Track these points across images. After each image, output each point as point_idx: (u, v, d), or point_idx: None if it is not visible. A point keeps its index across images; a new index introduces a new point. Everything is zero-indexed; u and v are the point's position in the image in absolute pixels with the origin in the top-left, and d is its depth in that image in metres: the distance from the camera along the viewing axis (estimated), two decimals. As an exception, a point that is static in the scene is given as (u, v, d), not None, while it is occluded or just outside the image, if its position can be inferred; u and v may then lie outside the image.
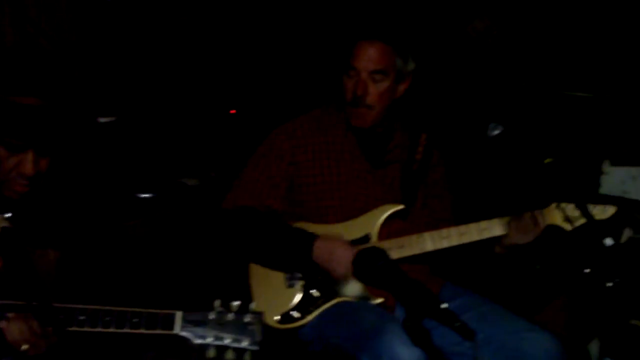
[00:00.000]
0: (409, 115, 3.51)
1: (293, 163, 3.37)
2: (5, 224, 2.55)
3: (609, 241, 2.71)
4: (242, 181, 3.39)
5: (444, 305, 2.17)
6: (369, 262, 2.39)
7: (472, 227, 3.23)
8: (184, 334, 2.47)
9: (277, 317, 3.23)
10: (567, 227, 3.19)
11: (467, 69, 4.84)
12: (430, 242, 3.25)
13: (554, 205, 3.21)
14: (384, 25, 3.40)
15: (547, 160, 2.92)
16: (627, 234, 4.26)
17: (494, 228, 3.22)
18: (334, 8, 5.13)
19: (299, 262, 3.24)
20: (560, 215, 3.19)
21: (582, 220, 3.11)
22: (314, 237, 3.21)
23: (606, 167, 4.16)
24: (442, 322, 2.16)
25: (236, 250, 3.39)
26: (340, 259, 3.11)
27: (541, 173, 2.92)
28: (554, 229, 3.23)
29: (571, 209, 3.16)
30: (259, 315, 2.47)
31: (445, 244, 3.24)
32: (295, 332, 3.26)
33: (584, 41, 4.86)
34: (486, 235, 3.22)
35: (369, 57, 3.30)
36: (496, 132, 3.08)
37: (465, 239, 3.23)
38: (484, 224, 3.23)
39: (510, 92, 4.76)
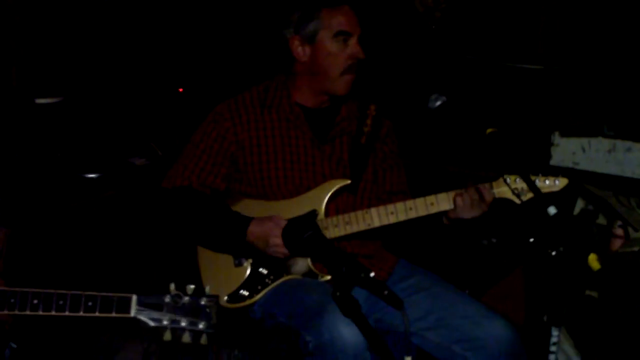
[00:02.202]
0: (358, 86, 3.46)
1: (235, 142, 3.31)
2: None
3: (552, 210, 2.70)
4: (182, 159, 3.34)
5: (372, 274, 2.15)
6: (296, 233, 2.37)
7: (419, 202, 3.20)
8: (140, 317, 2.45)
9: (226, 297, 3.19)
10: (516, 200, 3.16)
11: (413, 40, 4.83)
12: (377, 217, 3.21)
13: (501, 178, 3.17)
14: None
15: (489, 130, 2.90)
16: (579, 205, 4.29)
17: (442, 203, 3.19)
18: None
19: (235, 245, 3.20)
20: (509, 189, 3.16)
21: (531, 194, 3.07)
22: (247, 221, 3.15)
23: (556, 138, 4.16)
24: (371, 291, 2.14)
25: (175, 231, 3.34)
26: (276, 240, 3.06)
27: (484, 144, 2.89)
28: (503, 202, 3.21)
29: (519, 182, 3.13)
30: (214, 298, 2.46)
31: (392, 219, 3.20)
32: (246, 311, 3.23)
33: (532, 12, 4.87)
34: (434, 210, 3.19)
35: (356, 20, 3.29)
36: (438, 103, 3.06)
37: (413, 214, 3.19)
38: (430, 198, 3.19)
39: (455, 64, 4.75)
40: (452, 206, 3.17)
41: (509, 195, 3.18)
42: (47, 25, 5.05)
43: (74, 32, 5.13)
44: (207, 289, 2.47)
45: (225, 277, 3.23)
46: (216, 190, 3.30)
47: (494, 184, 3.19)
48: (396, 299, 2.11)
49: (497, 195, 3.18)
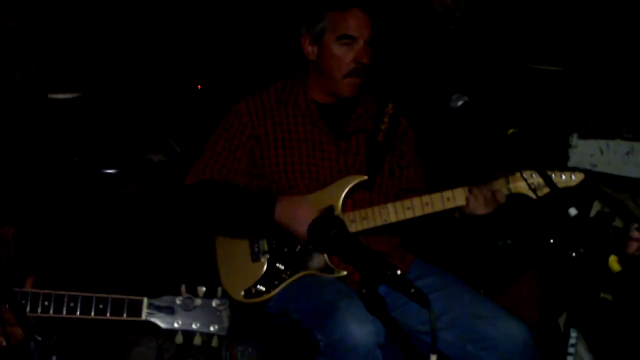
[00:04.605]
0: (376, 85, 3.47)
1: (253, 137, 3.33)
2: None
3: (573, 211, 2.69)
4: (203, 157, 3.36)
5: (398, 272, 2.15)
6: (322, 230, 2.36)
7: (436, 197, 3.20)
8: (151, 319, 2.46)
9: (243, 292, 3.20)
10: (532, 195, 3.15)
11: (434, 40, 4.83)
12: (394, 213, 3.21)
13: (518, 173, 3.16)
14: None
15: (511, 131, 2.90)
16: (595, 207, 4.27)
17: (458, 197, 3.19)
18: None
19: (262, 225, 3.20)
20: (525, 184, 3.15)
21: (547, 189, 3.06)
22: (275, 198, 3.18)
23: (574, 140, 4.16)
24: (397, 289, 2.14)
25: (201, 224, 3.36)
26: (302, 217, 3.08)
27: (505, 144, 2.89)
28: (519, 197, 3.20)
29: (536, 177, 3.12)
30: (226, 300, 2.47)
31: (409, 214, 3.20)
32: (262, 307, 3.24)
33: (552, 14, 4.85)
34: (450, 205, 3.19)
35: (366, 24, 3.28)
36: (460, 103, 3.05)
37: (429, 210, 3.20)
38: (447, 193, 3.19)
39: (476, 64, 4.74)
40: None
41: (525, 190, 3.17)
42: (66, 21, 5.06)
43: (93, 28, 5.14)
44: (219, 291, 2.48)
45: (242, 272, 3.25)
46: (237, 185, 3.32)
47: (510, 178, 3.19)
48: (422, 296, 2.11)
49: (513, 191, 3.19)
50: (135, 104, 5.02)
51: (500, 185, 3.18)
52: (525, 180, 3.14)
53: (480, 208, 3.16)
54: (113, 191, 4.39)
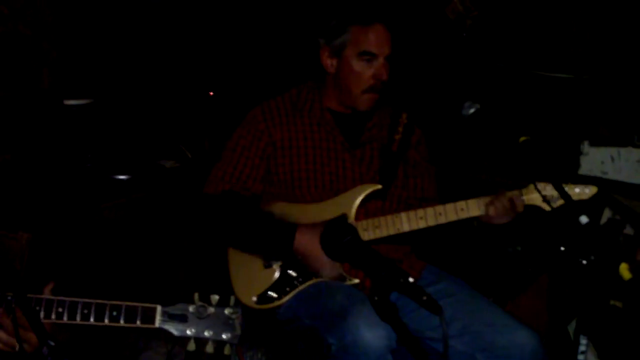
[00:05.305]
0: (390, 94, 3.46)
1: (270, 143, 3.34)
2: None
3: (584, 219, 2.69)
4: (222, 164, 3.37)
5: (411, 279, 2.15)
6: (335, 237, 2.37)
7: (449, 207, 3.20)
8: (164, 327, 2.47)
9: (255, 298, 3.20)
10: (546, 207, 3.15)
11: (445, 49, 4.83)
12: (407, 222, 3.22)
13: (532, 185, 3.16)
14: (386, 9, 3.34)
15: (523, 139, 2.90)
16: (606, 214, 4.27)
17: (472, 209, 3.20)
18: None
19: (279, 252, 3.22)
20: (539, 196, 3.15)
21: (561, 201, 3.06)
22: (295, 228, 3.17)
23: (585, 147, 4.16)
24: (410, 296, 2.14)
25: (218, 237, 3.37)
26: (319, 253, 3.07)
27: (517, 151, 2.89)
28: (533, 209, 3.20)
29: (550, 190, 3.12)
30: (238, 308, 2.48)
31: (421, 224, 3.21)
32: (272, 313, 3.24)
33: (564, 22, 4.85)
34: (463, 215, 3.19)
35: (387, 41, 3.27)
36: (472, 110, 3.06)
37: (442, 220, 3.20)
38: (461, 204, 3.20)
39: (487, 72, 4.74)
40: (482, 212, 3.18)
41: (538, 202, 3.17)
42: (79, 28, 5.08)
43: (105, 34, 5.16)
44: (232, 300, 2.49)
45: (254, 278, 3.25)
46: (255, 193, 3.34)
47: (523, 190, 3.18)
48: (434, 304, 2.11)
49: (526, 202, 3.18)
50: (147, 111, 5.04)
51: (514, 196, 3.17)
52: (540, 192, 3.15)
53: (496, 218, 3.17)
54: (125, 197, 4.40)
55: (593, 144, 4.17)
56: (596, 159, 4.15)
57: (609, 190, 4.07)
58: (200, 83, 5.37)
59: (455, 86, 4.80)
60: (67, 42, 4.99)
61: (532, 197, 3.18)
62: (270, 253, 3.25)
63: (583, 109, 4.59)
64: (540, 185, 3.15)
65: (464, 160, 4.67)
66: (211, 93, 5.27)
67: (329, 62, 3.34)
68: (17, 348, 2.41)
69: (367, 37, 3.25)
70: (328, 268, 3.14)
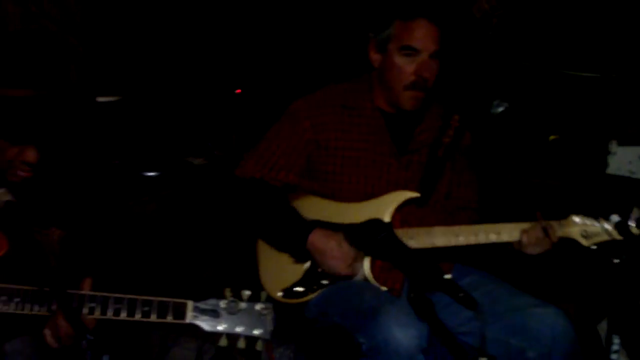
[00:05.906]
0: (441, 94, 3.38)
1: (313, 141, 3.29)
2: (8, 197, 2.54)
3: (615, 218, 2.70)
4: (258, 151, 3.33)
5: (448, 276, 2.16)
6: (370, 234, 2.37)
7: (489, 229, 3.14)
8: (195, 322, 2.48)
9: (281, 292, 3.20)
10: (584, 242, 3.08)
11: (473, 48, 4.81)
12: (441, 238, 3.16)
13: (571, 217, 3.10)
14: (432, 4, 3.26)
15: (552, 137, 2.90)
16: (635, 214, 4.25)
17: (504, 234, 3.12)
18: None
19: (293, 248, 3.21)
20: (578, 229, 3.09)
21: (604, 237, 3.01)
22: (311, 227, 3.15)
23: (613, 147, 4.14)
24: (446, 293, 2.15)
25: (240, 221, 3.36)
26: (331, 253, 3.09)
27: (546, 150, 2.89)
28: (568, 242, 3.13)
29: (591, 224, 3.06)
30: (270, 304, 2.50)
31: (453, 242, 3.15)
32: (301, 309, 3.24)
33: (591, 21, 4.83)
34: (493, 240, 3.13)
35: (431, 37, 3.18)
36: (500, 109, 3.05)
37: (474, 241, 3.14)
38: (497, 227, 3.13)
39: (514, 71, 4.73)
40: (515, 238, 3.11)
41: (576, 236, 3.09)
42: (107, 25, 5.11)
43: (133, 31, 5.18)
44: (263, 295, 2.50)
45: (283, 271, 3.24)
46: (287, 185, 3.31)
47: (562, 222, 3.11)
48: (471, 300, 2.12)
49: (562, 235, 3.11)
50: (176, 108, 5.06)
51: (550, 229, 3.09)
52: (582, 225, 3.08)
53: (530, 248, 3.09)
54: (154, 194, 4.42)
55: (621, 143, 4.16)
56: (624, 159, 4.14)
57: (637, 189, 4.06)
58: (228, 80, 5.38)
59: (483, 84, 4.79)
60: (95, 39, 5.01)
61: (570, 230, 3.10)
62: (285, 248, 3.24)
63: (611, 108, 4.57)
64: (580, 219, 3.09)
65: (507, 162, 4.65)
66: (239, 90, 5.28)
67: (375, 57, 3.28)
68: (55, 345, 2.44)
69: (409, 32, 3.18)
70: (342, 269, 3.11)
